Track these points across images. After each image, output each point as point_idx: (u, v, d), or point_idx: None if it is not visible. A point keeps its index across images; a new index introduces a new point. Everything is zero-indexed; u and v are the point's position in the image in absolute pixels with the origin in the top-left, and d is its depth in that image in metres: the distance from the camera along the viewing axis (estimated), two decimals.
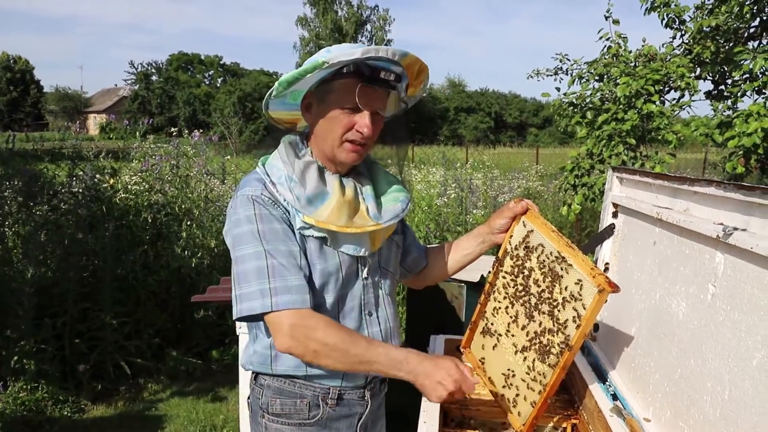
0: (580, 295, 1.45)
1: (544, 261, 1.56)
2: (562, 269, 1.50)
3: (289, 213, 1.42)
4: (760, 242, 1.09)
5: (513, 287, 1.65)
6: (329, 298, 1.46)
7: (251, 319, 1.39)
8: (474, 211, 6.59)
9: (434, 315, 4.26)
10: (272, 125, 1.60)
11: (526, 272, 1.61)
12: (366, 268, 1.52)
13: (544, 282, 1.55)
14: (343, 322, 1.48)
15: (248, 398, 1.59)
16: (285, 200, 1.40)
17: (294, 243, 1.40)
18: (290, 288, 1.35)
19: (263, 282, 1.35)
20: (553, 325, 1.51)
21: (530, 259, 1.60)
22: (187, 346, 4.56)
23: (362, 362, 1.36)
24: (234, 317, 1.39)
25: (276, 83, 1.39)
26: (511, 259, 1.66)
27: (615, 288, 1.39)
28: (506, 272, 1.68)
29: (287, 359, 1.45)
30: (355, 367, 1.38)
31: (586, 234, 7.09)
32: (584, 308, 1.43)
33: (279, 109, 1.54)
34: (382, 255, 1.58)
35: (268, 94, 1.44)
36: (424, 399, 1.68)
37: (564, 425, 1.72)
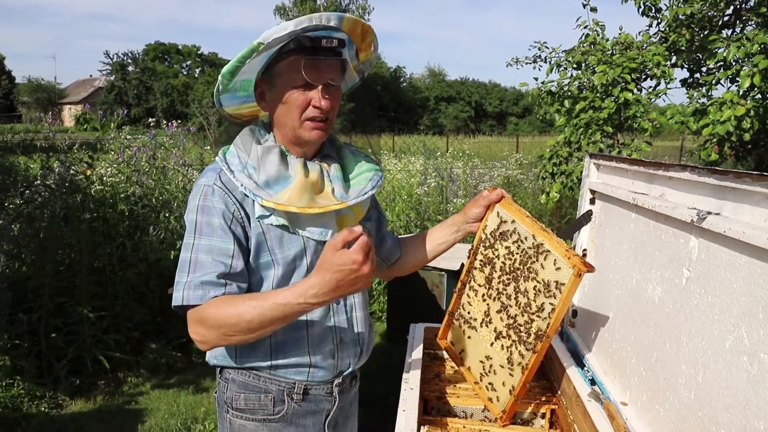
0: (556, 278, 1.46)
1: (519, 246, 1.56)
2: (537, 253, 1.51)
3: (244, 202, 1.37)
4: (732, 226, 1.10)
5: (489, 274, 1.65)
6: None
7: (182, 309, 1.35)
8: (455, 200, 6.62)
9: (415, 303, 4.28)
10: (232, 121, 1.55)
11: (502, 258, 1.61)
12: None
13: (519, 267, 1.56)
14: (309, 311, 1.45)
15: (215, 393, 1.56)
16: (243, 186, 1.34)
17: (230, 240, 1.34)
18: (203, 283, 1.31)
19: (183, 275, 1.33)
20: (531, 309, 1.52)
21: (505, 246, 1.60)
22: (167, 339, 4.51)
23: (264, 320, 1.24)
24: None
25: (219, 76, 1.34)
26: (486, 247, 1.66)
27: (590, 268, 1.40)
28: (481, 260, 1.68)
29: (252, 351, 1.43)
30: (265, 328, 1.27)
31: (566, 221, 7.16)
32: (560, 291, 1.44)
33: (233, 103, 1.48)
34: None
35: (215, 89, 1.39)
36: (403, 388, 1.68)
37: (543, 411, 1.73)
